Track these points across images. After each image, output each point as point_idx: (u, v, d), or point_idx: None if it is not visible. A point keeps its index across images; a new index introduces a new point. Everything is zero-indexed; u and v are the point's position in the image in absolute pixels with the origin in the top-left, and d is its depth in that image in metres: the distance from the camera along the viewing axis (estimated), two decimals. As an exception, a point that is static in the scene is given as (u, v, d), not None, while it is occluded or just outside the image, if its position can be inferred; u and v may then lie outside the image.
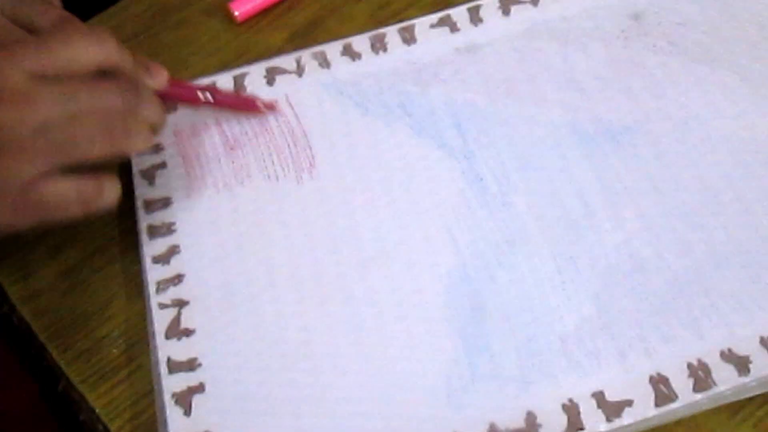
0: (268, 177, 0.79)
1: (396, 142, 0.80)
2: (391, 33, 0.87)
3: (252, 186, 0.79)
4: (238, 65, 0.86)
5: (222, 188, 0.79)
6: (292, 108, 0.83)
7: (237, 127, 0.82)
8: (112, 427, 0.69)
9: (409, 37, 0.86)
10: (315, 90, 0.84)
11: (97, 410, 0.70)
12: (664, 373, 0.67)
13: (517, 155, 0.78)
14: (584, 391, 0.67)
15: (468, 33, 0.86)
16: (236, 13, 0.89)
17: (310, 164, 0.80)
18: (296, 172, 0.79)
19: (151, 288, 0.74)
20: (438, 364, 0.69)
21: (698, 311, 0.70)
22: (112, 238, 0.78)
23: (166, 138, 0.81)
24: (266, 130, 0.82)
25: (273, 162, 0.80)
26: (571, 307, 0.71)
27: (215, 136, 0.82)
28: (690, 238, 0.73)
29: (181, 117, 0.82)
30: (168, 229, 0.77)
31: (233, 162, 0.80)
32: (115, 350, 0.73)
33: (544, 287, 0.72)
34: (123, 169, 0.77)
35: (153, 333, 0.72)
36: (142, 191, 0.79)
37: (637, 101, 0.80)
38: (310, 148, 0.80)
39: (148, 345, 0.71)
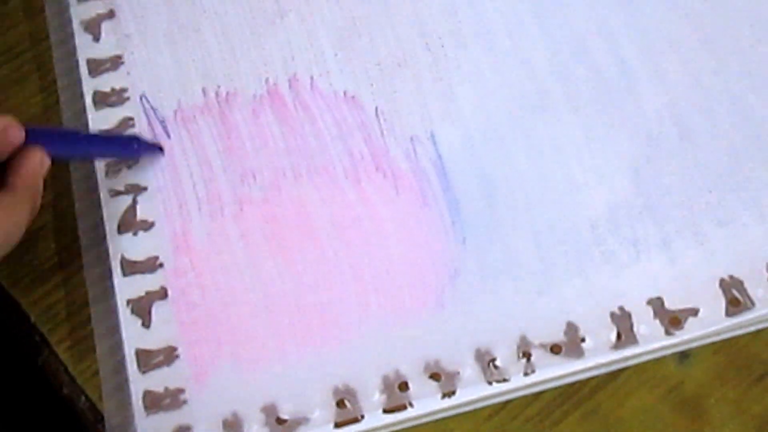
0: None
1: None
2: None
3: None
4: None
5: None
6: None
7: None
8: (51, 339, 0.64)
9: None
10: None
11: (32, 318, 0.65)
12: (738, 275, 0.62)
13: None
14: (637, 298, 0.62)
15: None
16: None
17: None
18: None
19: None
20: (437, 258, 0.64)
21: (760, 188, 0.65)
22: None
23: None
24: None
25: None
26: (602, 184, 0.65)
27: None
28: (749, 100, 0.68)
29: None
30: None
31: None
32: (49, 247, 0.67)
33: (568, 161, 0.66)
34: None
35: (90, 226, 0.66)
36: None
37: None
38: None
39: (93, 241, 0.66)
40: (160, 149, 0.67)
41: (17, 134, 0.58)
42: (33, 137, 0.59)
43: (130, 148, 0.67)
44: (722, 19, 0.70)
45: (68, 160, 0.67)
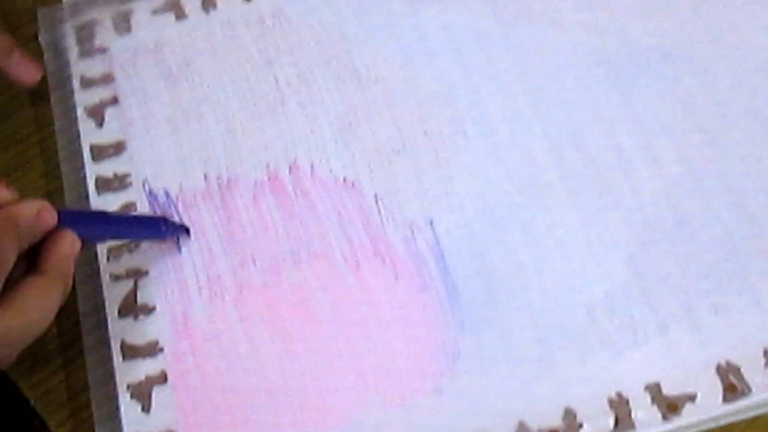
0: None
1: (380, 73, 0.74)
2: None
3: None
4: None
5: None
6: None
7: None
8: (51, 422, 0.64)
9: None
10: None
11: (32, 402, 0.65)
12: (735, 361, 0.62)
13: (531, 89, 0.72)
14: (634, 383, 0.62)
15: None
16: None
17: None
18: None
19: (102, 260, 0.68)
20: (436, 343, 0.63)
21: (756, 275, 0.64)
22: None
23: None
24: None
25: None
26: (600, 270, 0.65)
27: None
28: (743, 186, 0.68)
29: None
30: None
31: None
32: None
33: (566, 247, 0.66)
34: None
35: (91, 310, 0.66)
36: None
37: (676, 22, 0.75)
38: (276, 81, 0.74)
39: (94, 325, 0.66)
40: (187, 231, 0.68)
41: (50, 217, 0.58)
42: (64, 219, 0.60)
43: (157, 229, 0.67)
44: (717, 107, 0.70)
45: (98, 241, 0.67)
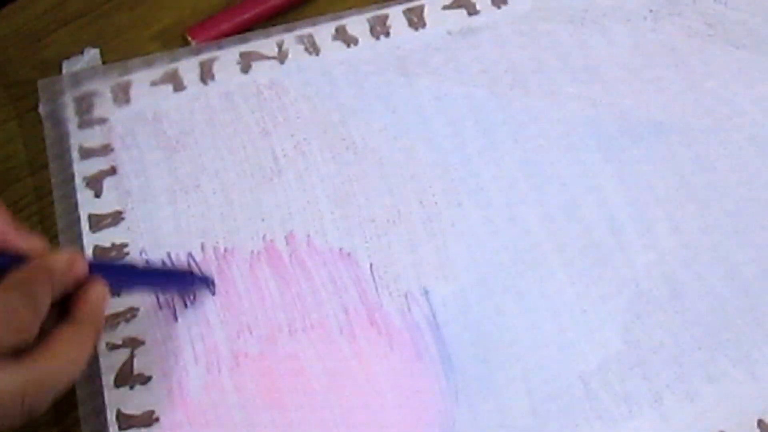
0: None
1: (376, 144, 0.74)
2: (395, 14, 0.80)
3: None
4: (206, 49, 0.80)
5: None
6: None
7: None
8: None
9: (416, 20, 0.80)
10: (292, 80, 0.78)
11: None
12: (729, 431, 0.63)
13: (525, 160, 0.73)
14: None
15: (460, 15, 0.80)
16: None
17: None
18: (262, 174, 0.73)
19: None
20: (431, 413, 0.63)
21: (750, 345, 0.65)
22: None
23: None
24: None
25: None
26: (594, 341, 0.65)
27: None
28: (736, 257, 0.68)
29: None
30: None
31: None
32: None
33: (561, 317, 0.66)
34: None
35: (87, 379, 0.66)
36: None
37: (669, 94, 0.75)
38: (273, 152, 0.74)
39: (89, 394, 0.66)
40: (212, 283, 0.68)
41: (82, 267, 0.59)
42: (94, 269, 0.60)
43: (184, 281, 0.68)
44: (710, 178, 0.71)
45: (126, 292, 0.67)
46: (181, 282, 0.68)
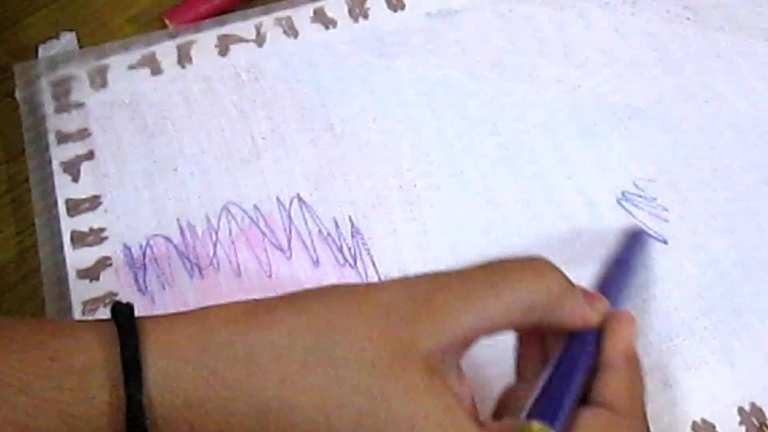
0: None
1: (355, 126, 0.74)
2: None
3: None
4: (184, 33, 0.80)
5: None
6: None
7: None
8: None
9: (395, 2, 0.80)
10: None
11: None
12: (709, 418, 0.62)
13: (504, 143, 0.73)
14: None
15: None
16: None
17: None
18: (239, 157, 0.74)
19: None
20: None
21: (728, 333, 0.65)
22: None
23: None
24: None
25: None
26: None
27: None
28: (715, 245, 0.68)
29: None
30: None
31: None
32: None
33: None
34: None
35: None
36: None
37: (648, 79, 0.76)
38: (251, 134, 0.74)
39: None
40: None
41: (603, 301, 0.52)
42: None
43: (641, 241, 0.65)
44: (688, 163, 0.70)
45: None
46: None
